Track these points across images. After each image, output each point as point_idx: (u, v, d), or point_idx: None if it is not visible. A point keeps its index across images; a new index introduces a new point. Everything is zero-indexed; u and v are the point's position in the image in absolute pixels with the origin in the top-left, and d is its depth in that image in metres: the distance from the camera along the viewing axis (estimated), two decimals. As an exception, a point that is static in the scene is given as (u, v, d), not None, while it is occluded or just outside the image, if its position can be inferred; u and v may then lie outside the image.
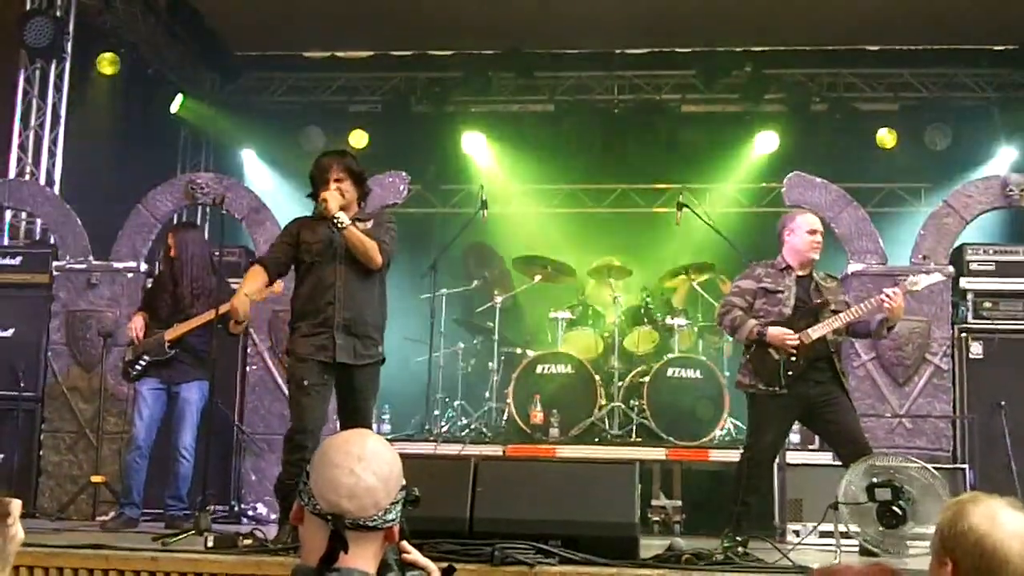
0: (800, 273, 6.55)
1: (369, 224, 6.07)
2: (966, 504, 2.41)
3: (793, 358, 6.29)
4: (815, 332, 6.32)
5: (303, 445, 5.73)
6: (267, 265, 6.18)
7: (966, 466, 7.68)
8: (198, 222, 12.44)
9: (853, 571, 2.82)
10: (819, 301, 6.46)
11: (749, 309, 6.52)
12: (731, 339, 8.91)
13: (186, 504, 7.33)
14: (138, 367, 7.48)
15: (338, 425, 6.31)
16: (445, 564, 2.70)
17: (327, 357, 5.87)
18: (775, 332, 6.30)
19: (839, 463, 6.53)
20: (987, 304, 8.29)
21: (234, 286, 7.63)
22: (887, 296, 6.23)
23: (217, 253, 7.42)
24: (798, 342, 6.27)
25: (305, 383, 5.84)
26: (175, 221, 9.90)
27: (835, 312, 6.41)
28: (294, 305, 6.13)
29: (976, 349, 8.20)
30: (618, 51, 11.97)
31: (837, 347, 6.53)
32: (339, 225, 5.80)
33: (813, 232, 6.54)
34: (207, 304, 7.27)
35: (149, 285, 8.27)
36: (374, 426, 9.02)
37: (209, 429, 7.33)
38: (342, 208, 5.88)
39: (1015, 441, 7.66)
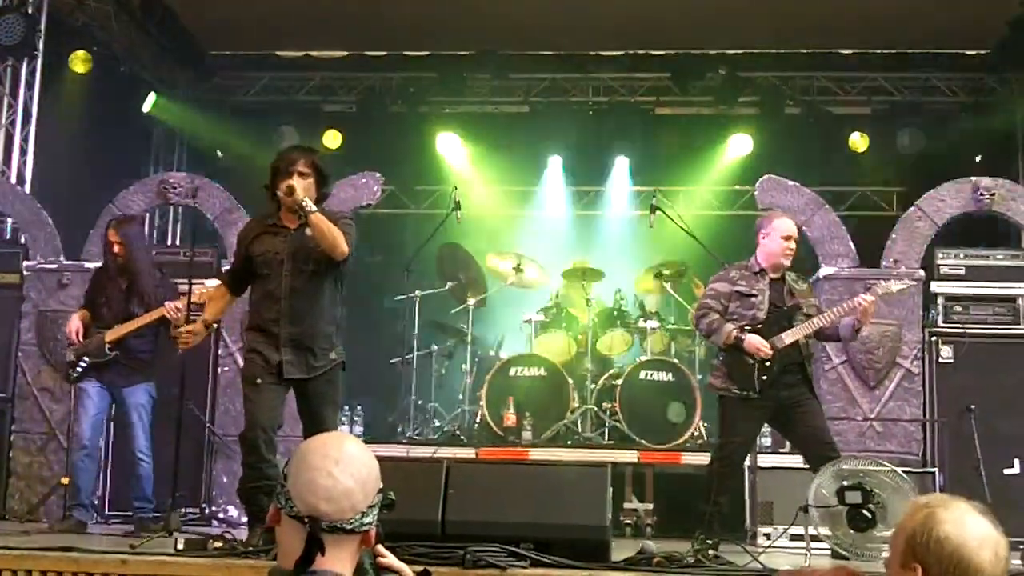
0: (773, 276, 6.57)
1: None
2: (936, 510, 2.40)
3: (767, 363, 6.32)
4: (788, 337, 6.36)
5: (255, 444, 5.62)
6: (229, 284, 6.18)
7: (935, 469, 7.75)
8: (169, 222, 12.40)
9: (819, 574, 2.83)
10: (792, 305, 6.50)
11: (724, 312, 6.54)
12: (704, 342, 8.95)
13: (154, 504, 7.18)
14: (79, 368, 7.17)
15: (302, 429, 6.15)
16: (420, 568, 2.69)
17: (273, 373, 5.75)
18: (753, 341, 6.33)
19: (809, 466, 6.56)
20: (957, 308, 8.35)
21: (183, 287, 7.14)
22: (861, 301, 6.27)
23: (189, 253, 7.28)
24: (771, 354, 6.31)
25: (257, 381, 5.73)
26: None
27: (807, 316, 6.45)
28: (249, 310, 6.06)
29: (946, 353, 8.25)
30: (593, 53, 11.99)
31: (808, 351, 6.56)
32: (307, 210, 5.61)
33: (788, 238, 6.56)
34: (156, 303, 7.03)
35: (89, 282, 7.67)
36: (346, 428, 9.00)
37: (179, 430, 7.03)
38: None
39: (984, 444, 7.69)
